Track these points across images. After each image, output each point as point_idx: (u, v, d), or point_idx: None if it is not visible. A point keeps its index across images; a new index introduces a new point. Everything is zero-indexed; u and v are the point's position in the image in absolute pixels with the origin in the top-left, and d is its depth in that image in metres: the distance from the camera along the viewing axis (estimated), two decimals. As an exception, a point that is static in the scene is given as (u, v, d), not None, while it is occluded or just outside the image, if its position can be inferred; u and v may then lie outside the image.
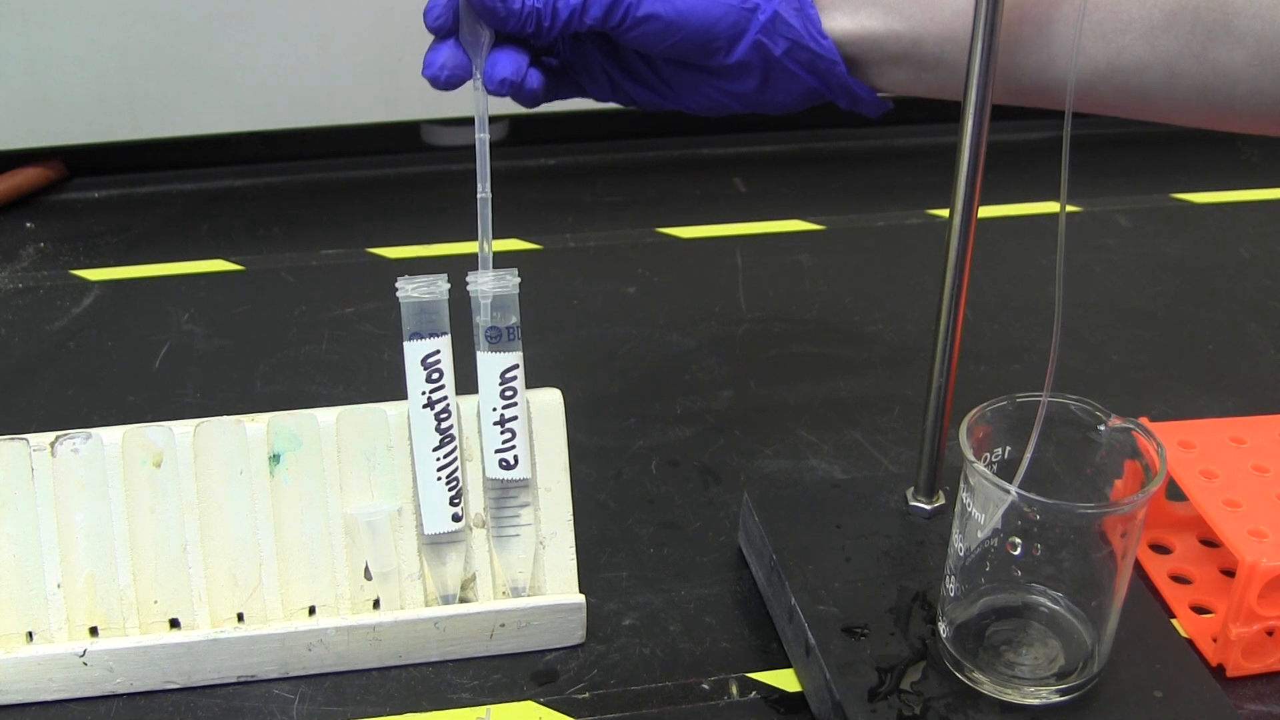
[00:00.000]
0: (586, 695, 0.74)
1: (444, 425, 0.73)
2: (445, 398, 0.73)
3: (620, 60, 0.79)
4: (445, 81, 0.74)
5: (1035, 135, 1.36)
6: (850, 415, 0.97)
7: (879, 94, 0.79)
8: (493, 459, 0.75)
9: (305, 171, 1.33)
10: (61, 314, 1.07)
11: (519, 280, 0.73)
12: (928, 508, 0.80)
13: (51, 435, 0.73)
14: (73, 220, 1.24)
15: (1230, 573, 0.81)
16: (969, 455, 0.66)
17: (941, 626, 0.71)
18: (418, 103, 1.29)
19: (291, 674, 0.75)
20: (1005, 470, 0.68)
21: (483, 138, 0.72)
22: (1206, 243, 1.23)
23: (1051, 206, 1.25)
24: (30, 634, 0.73)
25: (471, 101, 0.73)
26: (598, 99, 0.82)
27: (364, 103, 1.27)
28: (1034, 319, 1.08)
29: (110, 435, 0.73)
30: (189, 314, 1.08)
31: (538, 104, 0.78)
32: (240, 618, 0.75)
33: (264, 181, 1.32)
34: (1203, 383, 1.02)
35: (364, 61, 1.25)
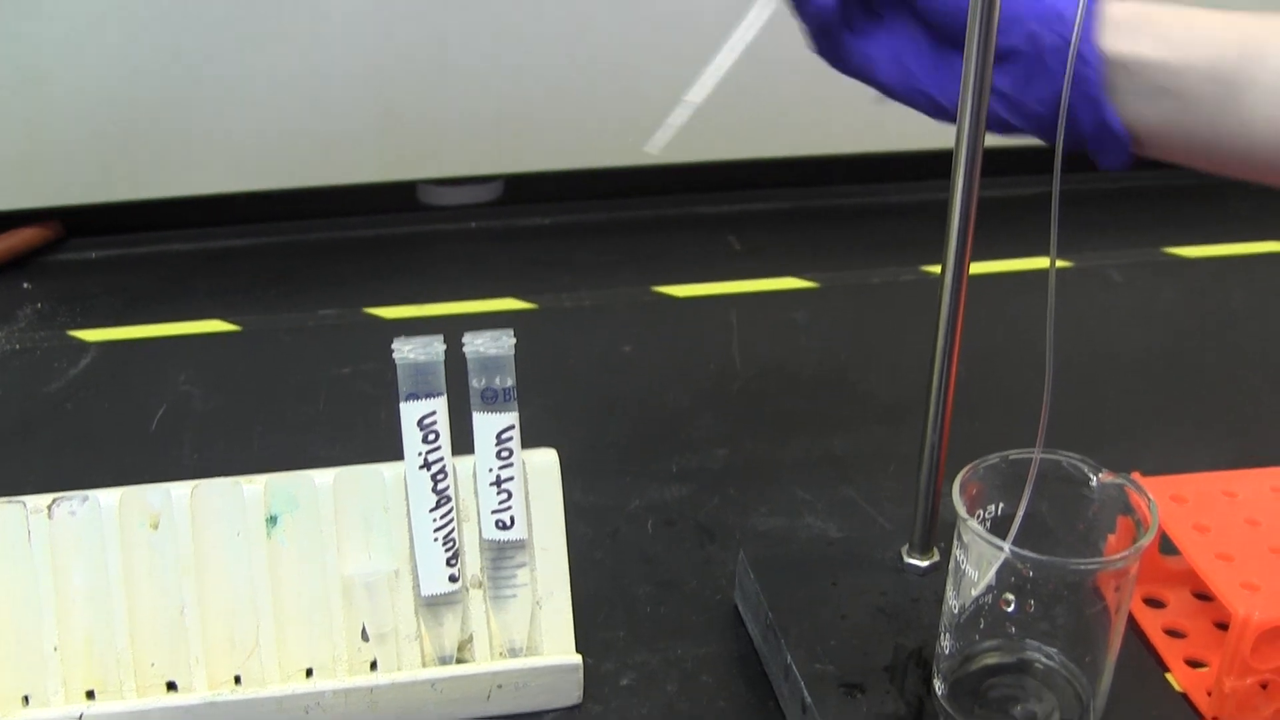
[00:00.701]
0: (583, 755, 0.74)
1: (440, 486, 0.74)
2: (441, 459, 0.73)
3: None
4: None
5: (1028, 190, 1.37)
6: (845, 472, 0.97)
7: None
8: (489, 519, 0.75)
9: (302, 231, 1.34)
10: (58, 375, 1.08)
11: (514, 341, 0.73)
12: (922, 565, 0.80)
13: (49, 497, 0.73)
14: (70, 281, 1.24)
15: (1224, 626, 0.81)
16: (962, 512, 0.66)
17: (937, 684, 0.71)
18: (414, 162, 1.29)
19: (289, 736, 0.75)
20: (999, 526, 0.68)
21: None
22: (1197, 295, 1.24)
23: (1044, 261, 1.26)
24: (26, 698, 0.73)
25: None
26: (873, 58, 0.79)
27: (360, 162, 1.28)
28: (1028, 373, 1.08)
29: (107, 497, 0.73)
30: (186, 374, 1.08)
31: (821, 23, 0.76)
32: (237, 680, 0.75)
33: (261, 241, 1.32)
34: (1196, 435, 1.02)
35: (361, 121, 1.26)
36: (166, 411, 1.03)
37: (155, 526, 0.73)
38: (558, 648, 0.77)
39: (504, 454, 0.74)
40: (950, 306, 0.72)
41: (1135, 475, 0.68)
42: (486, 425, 0.74)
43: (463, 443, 0.75)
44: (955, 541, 0.68)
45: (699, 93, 0.74)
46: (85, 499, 0.73)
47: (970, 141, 0.68)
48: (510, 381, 0.73)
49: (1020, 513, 0.68)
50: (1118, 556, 0.66)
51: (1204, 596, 0.84)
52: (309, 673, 0.75)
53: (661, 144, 0.74)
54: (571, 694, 0.77)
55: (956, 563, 0.68)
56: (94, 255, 1.29)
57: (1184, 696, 0.77)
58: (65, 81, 1.19)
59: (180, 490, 0.73)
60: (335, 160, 1.27)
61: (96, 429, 1.01)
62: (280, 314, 1.18)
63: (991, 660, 0.71)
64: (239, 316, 1.17)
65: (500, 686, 0.76)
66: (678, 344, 1.13)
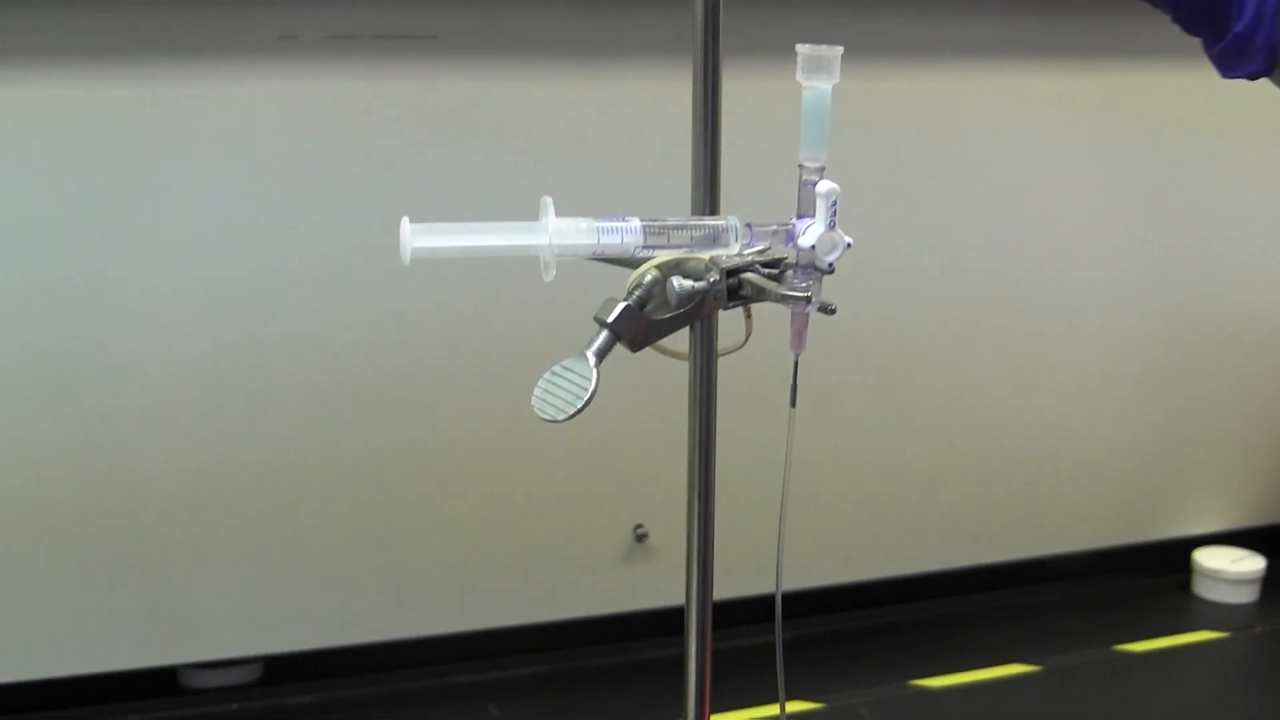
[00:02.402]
0: None
1: None
2: None
3: None
4: None
5: (766, 639, 1.43)
6: None
7: None
8: None
9: (60, 723, 1.32)
10: None
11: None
12: None
13: None
14: None
15: None
16: None
17: None
18: (176, 645, 1.30)
19: None
20: None
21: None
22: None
23: (799, 704, 1.29)
24: None
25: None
26: None
27: (122, 650, 1.28)
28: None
29: None
30: None
31: None
32: None
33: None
34: None
35: (122, 605, 1.26)
36: None
37: None
38: None
39: None
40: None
41: None
42: None
43: None
44: None
45: None
46: None
47: (700, 594, 0.72)
48: None
49: None
50: None
51: None
52: None
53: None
54: None
55: None
56: None
57: None
58: None
59: None
60: (96, 643, 1.27)
61: None
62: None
63: None
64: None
65: None
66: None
